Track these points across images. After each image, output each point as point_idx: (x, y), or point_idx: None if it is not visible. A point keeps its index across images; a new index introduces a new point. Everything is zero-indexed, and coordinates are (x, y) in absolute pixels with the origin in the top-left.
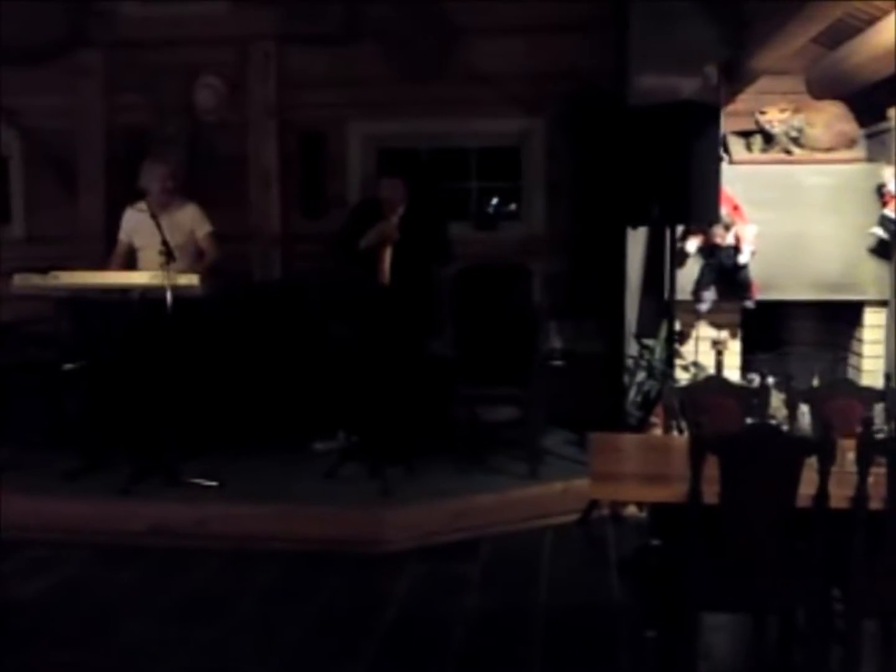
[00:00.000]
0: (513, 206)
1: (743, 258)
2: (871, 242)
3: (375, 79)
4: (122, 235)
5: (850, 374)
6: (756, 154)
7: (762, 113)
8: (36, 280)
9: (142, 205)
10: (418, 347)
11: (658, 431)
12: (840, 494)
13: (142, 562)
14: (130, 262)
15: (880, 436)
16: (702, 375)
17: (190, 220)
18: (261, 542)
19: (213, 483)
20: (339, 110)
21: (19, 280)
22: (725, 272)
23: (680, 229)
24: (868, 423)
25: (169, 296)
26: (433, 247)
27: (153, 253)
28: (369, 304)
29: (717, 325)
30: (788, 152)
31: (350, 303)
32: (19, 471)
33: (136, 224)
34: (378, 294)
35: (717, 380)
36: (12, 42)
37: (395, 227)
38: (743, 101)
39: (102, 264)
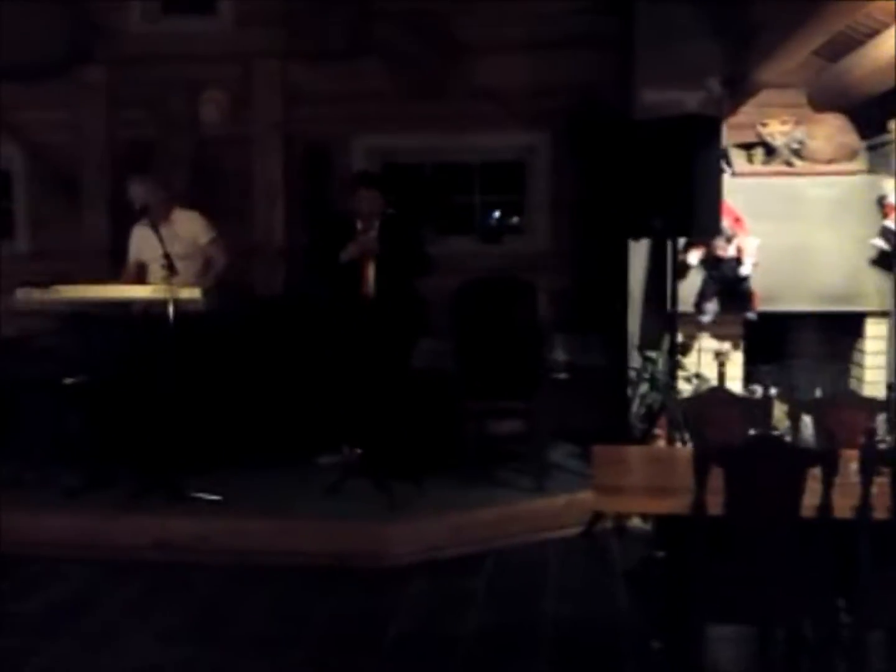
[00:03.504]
0: (516, 220)
1: (745, 270)
2: (873, 254)
3: (379, 94)
4: (131, 255)
5: (853, 384)
6: (758, 166)
7: (764, 125)
8: (38, 295)
9: (143, 220)
10: (407, 358)
11: (661, 443)
12: (844, 505)
13: (144, 577)
14: (140, 279)
15: (883, 446)
16: (704, 387)
17: (191, 229)
18: (264, 556)
19: (217, 498)
20: (342, 125)
21: (21, 295)
22: (727, 284)
23: (682, 242)
24: (871, 433)
25: (171, 310)
26: (414, 258)
27: (158, 266)
28: (356, 317)
29: (720, 337)
30: (790, 164)
31: (338, 316)
32: (21, 487)
33: (141, 241)
34: (364, 307)
35: (720, 391)
36: (17, 58)
37: (374, 239)
38: (745, 114)
39: (112, 277)
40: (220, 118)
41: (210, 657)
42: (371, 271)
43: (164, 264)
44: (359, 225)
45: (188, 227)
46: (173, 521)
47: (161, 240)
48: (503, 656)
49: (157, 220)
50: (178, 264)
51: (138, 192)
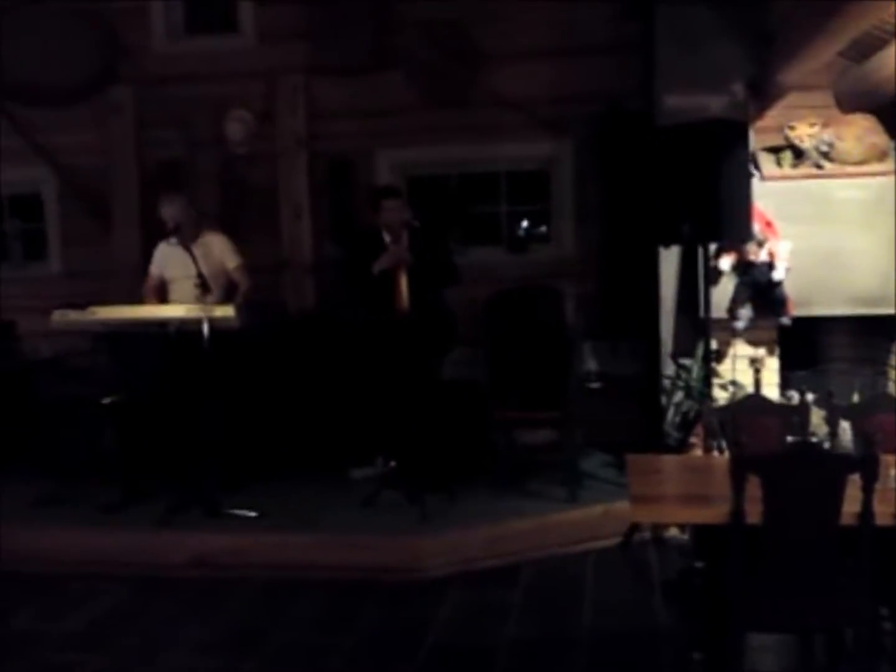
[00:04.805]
0: (543, 229)
1: (777, 274)
2: None
3: (403, 107)
4: (154, 268)
5: (890, 388)
6: (787, 169)
7: (791, 128)
8: (74, 316)
9: (173, 239)
10: (439, 370)
11: (698, 452)
12: (884, 511)
13: (182, 593)
14: (162, 294)
15: None
16: (740, 394)
17: (219, 252)
18: (300, 571)
19: (252, 513)
20: (367, 139)
21: (58, 316)
22: (760, 289)
23: (713, 247)
24: None
25: (205, 328)
26: (444, 269)
27: (186, 284)
28: (391, 329)
29: (754, 343)
30: (819, 167)
31: (372, 329)
32: (59, 504)
33: (167, 256)
34: (399, 319)
35: (756, 398)
36: (45, 81)
37: (406, 249)
38: (771, 117)
39: (137, 297)
40: (246, 136)
41: (246, 670)
42: (404, 283)
43: (197, 283)
44: (386, 237)
45: (217, 250)
46: (210, 537)
47: (195, 259)
48: (539, 669)
49: (183, 241)
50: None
51: (170, 210)
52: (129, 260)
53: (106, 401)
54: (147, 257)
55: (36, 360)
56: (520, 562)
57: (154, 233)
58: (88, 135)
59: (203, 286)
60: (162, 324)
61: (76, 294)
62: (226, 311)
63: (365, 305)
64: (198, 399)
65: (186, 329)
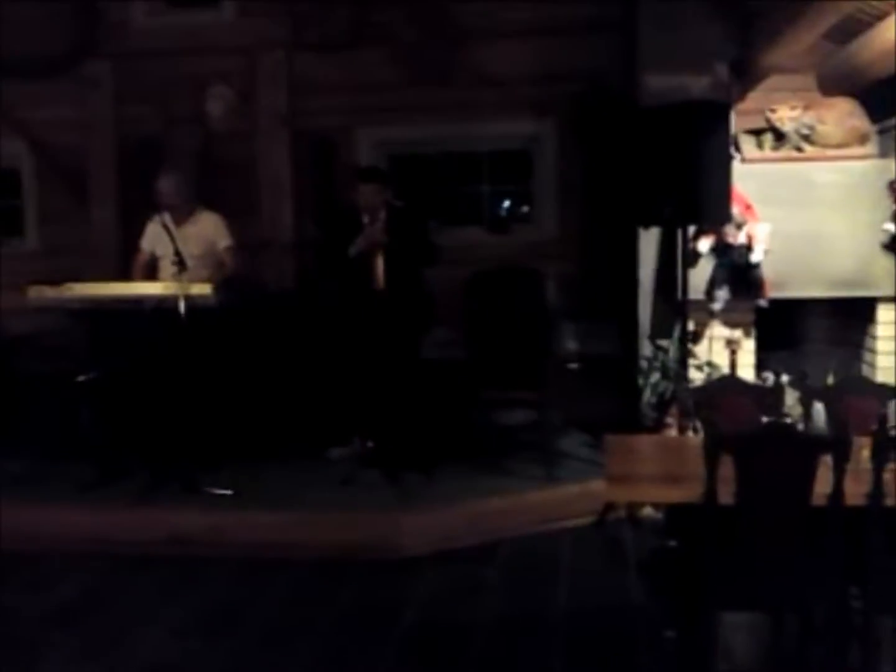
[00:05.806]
0: (524, 209)
1: (755, 257)
2: (884, 238)
3: (384, 84)
4: (145, 244)
5: (865, 370)
6: (767, 152)
7: (773, 111)
8: (50, 292)
9: (162, 216)
10: (417, 350)
11: (673, 432)
12: (856, 492)
13: (158, 571)
14: (151, 271)
15: (895, 433)
16: (716, 375)
17: (212, 232)
18: (278, 549)
19: (229, 492)
20: (348, 116)
21: (34, 293)
22: (738, 271)
23: (692, 229)
24: (883, 420)
25: (182, 306)
26: (420, 249)
27: (170, 263)
28: (367, 310)
29: (731, 325)
30: (800, 150)
31: (349, 310)
32: (35, 482)
33: (157, 235)
34: (374, 300)
35: (732, 379)
36: (21, 55)
37: (381, 231)
38: (753, 100)
39: (121, 273)
40: (226, 112)
41: (224, 650)
42: (380, 264)
43: (174, 261)
44: (365, 218)
45: (209, 229)
46: (187, 515)
47: (172, 237)
48: (516, 645)
49: (177, 218)
50: (191, 263)
51: (164, 187)
52: (107, 236)
53: (82, 378)
54: (125, 234)
55: (12, 337)
56: (497, 540)
57: (132, 210)
58: (66, 110)
59: (180, 264)
60: (138, 301)
61: (53, 271)
62: (202, 290)
63: (341, 286)
64: (175, 377)
65: (163, 306)
